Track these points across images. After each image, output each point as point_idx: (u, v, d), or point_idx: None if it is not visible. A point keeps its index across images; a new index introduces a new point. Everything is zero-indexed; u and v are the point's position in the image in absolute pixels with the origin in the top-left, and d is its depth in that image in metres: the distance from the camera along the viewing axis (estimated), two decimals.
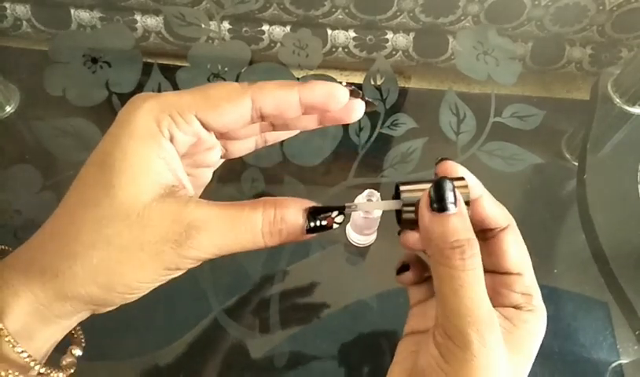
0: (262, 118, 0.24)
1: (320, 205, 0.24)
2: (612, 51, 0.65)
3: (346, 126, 0.55)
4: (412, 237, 0.26)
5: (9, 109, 0.55)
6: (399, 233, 0.26)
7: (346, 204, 0.24)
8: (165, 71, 0.57)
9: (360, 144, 0.54)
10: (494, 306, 0.23)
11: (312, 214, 0.23)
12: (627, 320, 0.45)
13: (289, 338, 0.43)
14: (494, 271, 0.26)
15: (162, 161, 0.22)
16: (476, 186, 0.25)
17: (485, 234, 0.26)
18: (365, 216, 0.44)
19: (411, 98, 0.59)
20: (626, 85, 0.57)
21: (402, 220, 0.24)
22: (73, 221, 0.22)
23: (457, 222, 0.22)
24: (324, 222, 0.23)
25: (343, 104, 0.24)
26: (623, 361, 0.44)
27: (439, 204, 0.22)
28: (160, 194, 0.22)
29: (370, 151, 0.54)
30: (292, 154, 0.53)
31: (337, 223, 0.23)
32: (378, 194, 0.43)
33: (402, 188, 0.24)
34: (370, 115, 0.56)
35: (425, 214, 0.23)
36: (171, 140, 0.23)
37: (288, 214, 0.23)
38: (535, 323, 0.26)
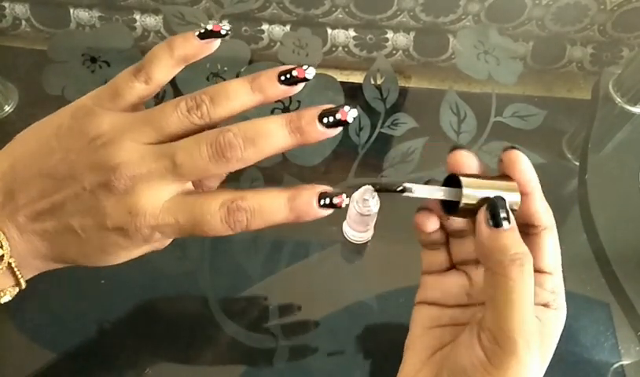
0: None
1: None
2: (613, 50, 0.65)
3: (346, 126, 0.54)
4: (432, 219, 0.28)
5: (7, 109, 0.55)
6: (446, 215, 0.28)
7: (405, 185, 0.26)
8: None
9: (360, 144, 0.54)
10: None
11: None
12: (628, 321, 0.45)
13: (289, 338, 0.43)
14: None
15: None
16: (531, 181, 0.27)
17: (528, 229, 0.27)
18: (362, 212, 0.43)
19: (411, 98, 0.58)
20: (627, 84, 0.57)
21: (460, 209, 0.26)
22: None
23: (513, 236, 0.24)
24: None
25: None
26: (625, 362, 0.44)
27: (494, 221, 0.24)
28: None
29: (370, 151, 0.53)
30: (292, 153, 0.53)
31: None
32: (374, 192, 0.43)
33: (463, 180, 0.26)
34: (371, 114, 0.56)
35: (484, 230, 0.25)
36: None
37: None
38: (555, 322, 0.27)
